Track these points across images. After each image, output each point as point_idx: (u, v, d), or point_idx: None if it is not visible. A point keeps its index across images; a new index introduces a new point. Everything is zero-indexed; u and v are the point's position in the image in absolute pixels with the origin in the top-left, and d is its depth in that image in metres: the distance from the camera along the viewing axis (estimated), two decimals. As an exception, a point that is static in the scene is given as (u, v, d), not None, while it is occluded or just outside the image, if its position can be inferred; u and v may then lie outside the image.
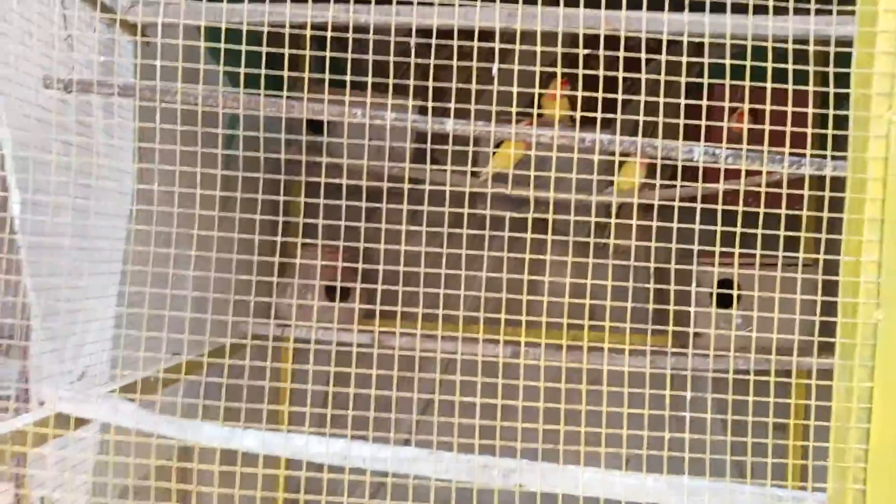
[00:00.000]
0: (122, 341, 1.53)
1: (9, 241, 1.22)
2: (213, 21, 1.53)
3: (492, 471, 1.24)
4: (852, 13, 1.04)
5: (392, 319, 2.40)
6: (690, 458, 1.48)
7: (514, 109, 1.48)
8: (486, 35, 1.47)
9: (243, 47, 1.42)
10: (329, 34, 1.47)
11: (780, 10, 1.23)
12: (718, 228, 1.47)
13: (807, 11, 1.18)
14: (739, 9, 1.28)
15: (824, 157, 1.16)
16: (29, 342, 1.32)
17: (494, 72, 1.28)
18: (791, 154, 1.26)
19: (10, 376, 1.34)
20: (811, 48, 1.16)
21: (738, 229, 1.33)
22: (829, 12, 1.19)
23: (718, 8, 1.31)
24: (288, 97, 1.51)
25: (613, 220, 1.57)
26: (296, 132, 2.46)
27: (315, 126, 2.59)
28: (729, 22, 1.30)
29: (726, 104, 2.00)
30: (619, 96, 1.32)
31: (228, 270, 1.55)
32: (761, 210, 1.27)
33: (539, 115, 2.62)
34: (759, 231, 1.30)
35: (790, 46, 1.21)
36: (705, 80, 1.35)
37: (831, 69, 1.08)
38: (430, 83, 1.36)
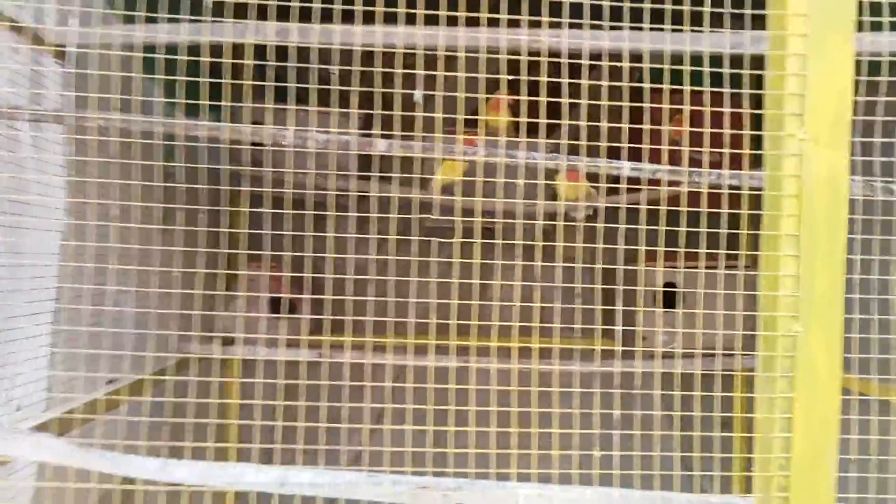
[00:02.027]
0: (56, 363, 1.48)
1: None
2: (128, 39, 1.50)
3: (432, 492, 1.24)
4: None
5: (339, 333, 2.39)
6: (643, 460, 1.51)
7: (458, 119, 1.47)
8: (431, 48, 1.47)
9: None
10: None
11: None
12: (661, 227, 1.49)
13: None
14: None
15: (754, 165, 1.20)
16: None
17: (417, 97, 1.28)
18: (721, 160, 1.31)
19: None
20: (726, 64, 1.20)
21: (681, 228, 1.36)
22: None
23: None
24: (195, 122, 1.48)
25: (547, 223, 1.56)
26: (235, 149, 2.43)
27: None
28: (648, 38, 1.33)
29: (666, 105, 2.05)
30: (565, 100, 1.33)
31: (169, 288, 1.52)
32: (681, 210, 1.30)
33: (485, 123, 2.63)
34: (683, 229, 1.33)
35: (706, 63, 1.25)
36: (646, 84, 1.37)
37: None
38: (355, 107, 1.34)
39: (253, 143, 2.55)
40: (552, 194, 2.67)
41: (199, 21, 1.48)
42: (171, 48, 1.49)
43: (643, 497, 1.20)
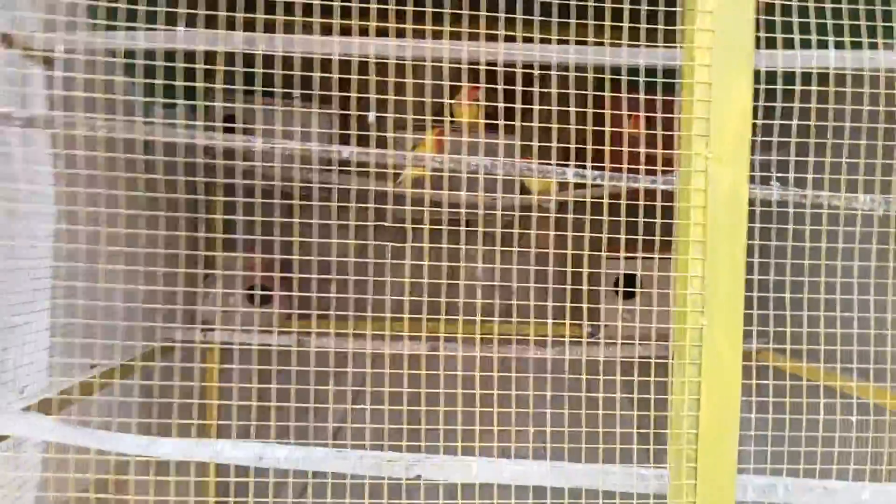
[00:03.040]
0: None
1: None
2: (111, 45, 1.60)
3: (395, 464, 1.38)
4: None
5: (312, 320, 2.51)
6: (605, 436, 1.66)
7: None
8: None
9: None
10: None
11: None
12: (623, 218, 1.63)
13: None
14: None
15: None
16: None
17: (371, 119, 1.40)
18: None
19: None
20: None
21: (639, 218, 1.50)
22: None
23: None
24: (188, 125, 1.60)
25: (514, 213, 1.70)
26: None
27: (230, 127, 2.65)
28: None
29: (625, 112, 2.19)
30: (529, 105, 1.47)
31: (152, 278, 1.64)
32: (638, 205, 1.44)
33: (451, 122, 2.75)
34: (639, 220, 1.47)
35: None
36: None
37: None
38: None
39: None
40: (522, 188, 2.81)
41: (174, 30, 1.60)
42: (149, 54, 1.60)
43: (585, 469, 1.35)
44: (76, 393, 1.67)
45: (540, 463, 1.39)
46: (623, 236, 1.47)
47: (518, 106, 1.55)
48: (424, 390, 1.84)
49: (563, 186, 2.70)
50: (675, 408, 1.13)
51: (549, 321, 2.11)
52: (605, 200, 1.77)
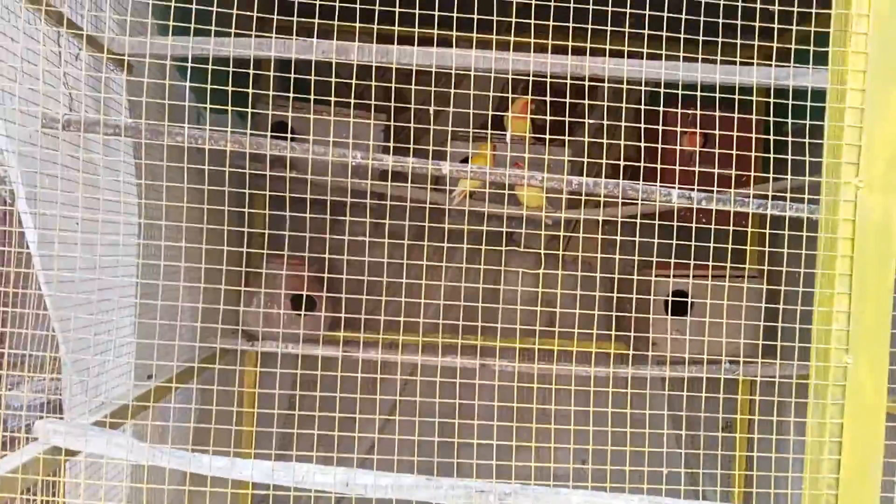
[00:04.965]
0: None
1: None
2: (200, 52, 1.55)
3: (488, 496, 1.32)
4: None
5: (357, 329, 2.45)
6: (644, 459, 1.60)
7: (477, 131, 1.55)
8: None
9: (230, 82, 1.45)
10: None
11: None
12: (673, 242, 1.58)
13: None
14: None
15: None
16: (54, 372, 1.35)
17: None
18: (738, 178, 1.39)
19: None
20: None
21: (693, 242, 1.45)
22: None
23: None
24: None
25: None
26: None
27: (282, 131, 2.60)
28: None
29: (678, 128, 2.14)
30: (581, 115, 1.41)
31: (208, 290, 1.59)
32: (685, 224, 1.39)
33: (504, 134, 2.69)
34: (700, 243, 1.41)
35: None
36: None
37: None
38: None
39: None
40: (516, 202, 2.71)
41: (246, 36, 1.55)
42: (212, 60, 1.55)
43: (685, 506, 1.28)
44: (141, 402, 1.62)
45: (640, 498, 1.33)
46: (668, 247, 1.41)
47: (570, 119, 1.50)
48: (476, 402, 1.78)
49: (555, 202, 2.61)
50: (813, 451, 1.07)
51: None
52: (654, 221, 1.72)
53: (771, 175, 2.09)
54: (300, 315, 2.64)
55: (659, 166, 1.52)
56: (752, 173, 2.01)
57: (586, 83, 1.49)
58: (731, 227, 2.00)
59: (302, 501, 1.68)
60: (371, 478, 1.34)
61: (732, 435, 2.92)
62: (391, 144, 2.60)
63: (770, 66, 1.46)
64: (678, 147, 2.52)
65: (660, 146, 1.62)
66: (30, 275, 1.26)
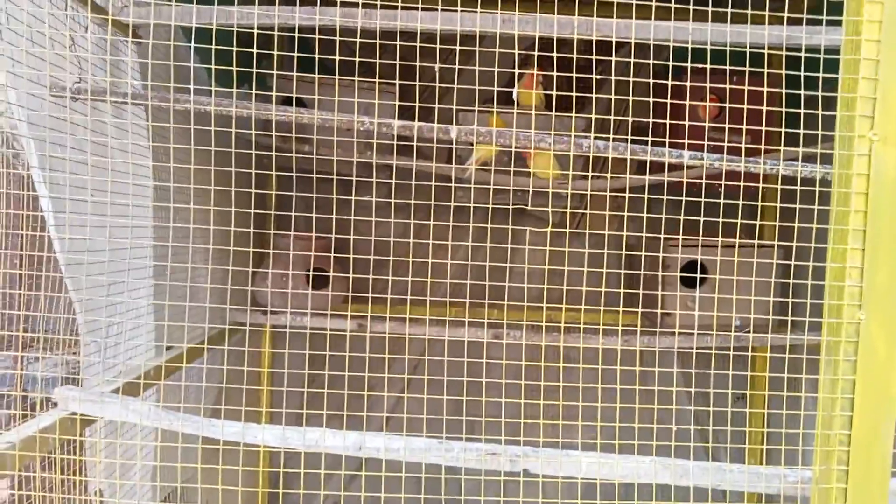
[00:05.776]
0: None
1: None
2: (206, 23, 1.55)
3: (499, 458, 1.32)
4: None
5: (370, 304, 2.46)
6: (660, 430, 1.60)
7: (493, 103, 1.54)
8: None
9: (234, 47, 1.45)
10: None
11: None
12: (682, 217, 1.56)
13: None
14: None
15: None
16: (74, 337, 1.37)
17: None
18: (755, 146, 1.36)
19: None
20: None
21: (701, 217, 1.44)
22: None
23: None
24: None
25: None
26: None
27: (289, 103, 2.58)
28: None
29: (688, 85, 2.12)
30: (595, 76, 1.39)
31: (225, 262, 1.60)
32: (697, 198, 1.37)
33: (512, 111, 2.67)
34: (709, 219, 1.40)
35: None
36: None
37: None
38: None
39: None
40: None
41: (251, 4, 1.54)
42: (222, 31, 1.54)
43: (698, 467, 1.28)
44: (154, 374, 1.65)
45: (651, 459, 1.33)
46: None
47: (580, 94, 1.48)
48: (485, 380, 1.79)
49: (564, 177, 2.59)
50: (825, 407, 1.07)
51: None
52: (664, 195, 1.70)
53: (784, 142, 2.06)
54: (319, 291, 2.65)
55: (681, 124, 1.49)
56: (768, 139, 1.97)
57: (593, 58, 1.46)
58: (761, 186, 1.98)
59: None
60: (383, 441, 1.34)
61: (747, 392, 2.88)
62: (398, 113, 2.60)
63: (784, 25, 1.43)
64: (698, 111, 2.48)
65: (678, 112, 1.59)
66: (45, 241, 1.27)
